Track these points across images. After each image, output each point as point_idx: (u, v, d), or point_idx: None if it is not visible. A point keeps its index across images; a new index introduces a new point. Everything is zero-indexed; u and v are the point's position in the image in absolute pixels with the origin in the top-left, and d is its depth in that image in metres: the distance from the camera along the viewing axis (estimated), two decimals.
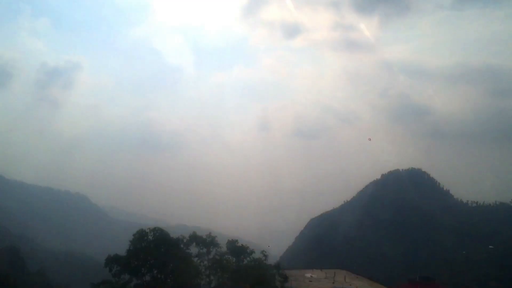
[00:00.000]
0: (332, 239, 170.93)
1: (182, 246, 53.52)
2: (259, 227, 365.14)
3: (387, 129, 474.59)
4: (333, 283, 56.96)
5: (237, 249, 55.57)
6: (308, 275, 62.25)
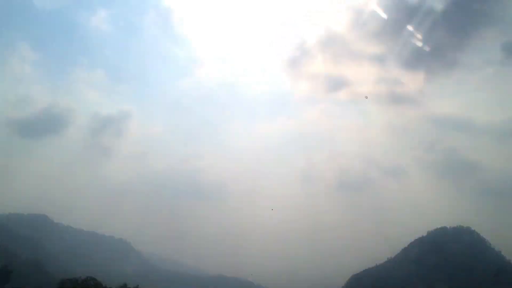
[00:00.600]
0: None
1: None
2: (299, 281, 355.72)
3: (433, 185, 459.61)
4: None
5: None
6: None
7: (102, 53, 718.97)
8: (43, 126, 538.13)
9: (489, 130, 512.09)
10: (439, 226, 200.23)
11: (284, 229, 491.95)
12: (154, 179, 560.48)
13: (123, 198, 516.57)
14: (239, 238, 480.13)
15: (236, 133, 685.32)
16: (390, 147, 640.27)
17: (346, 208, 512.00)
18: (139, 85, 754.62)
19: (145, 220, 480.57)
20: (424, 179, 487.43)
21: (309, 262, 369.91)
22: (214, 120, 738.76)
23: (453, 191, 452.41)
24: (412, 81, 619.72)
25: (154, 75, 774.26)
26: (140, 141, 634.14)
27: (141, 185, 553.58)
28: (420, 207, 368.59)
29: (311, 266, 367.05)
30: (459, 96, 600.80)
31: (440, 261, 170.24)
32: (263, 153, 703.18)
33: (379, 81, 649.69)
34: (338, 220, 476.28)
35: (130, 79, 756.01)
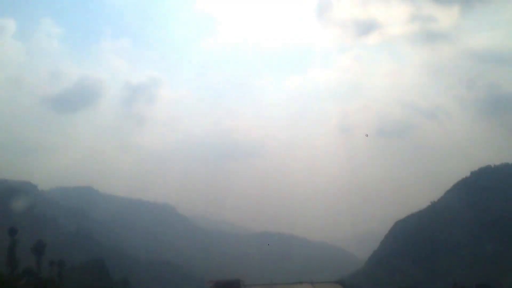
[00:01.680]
0: (421, 243, 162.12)
1: None
2: (343, 230, 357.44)
3: (476, 123, 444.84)
4: None
5: None
6: None
7: (125, 21, 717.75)
8: (76, 99, 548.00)
9: None
10: (483, 165, 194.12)
11: (325, 181, 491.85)
12: (190, 143, 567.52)
13: (162, 164, 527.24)
14: (280, 194, 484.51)
15: (266, 89, 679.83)
16: (428, 88, 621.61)
17: (386, 155, 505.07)
18: (164, 50, 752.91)
19: (186, 184, 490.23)
20: (466, 118, 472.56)
21: (354, 213, 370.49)
22: (242, 78, 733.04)
23: (498, 128, 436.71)
24: (447, 17, 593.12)
25: (176, 39, 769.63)
26: (172, 106, 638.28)
27: (178, 150, 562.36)
28: (463, 148, 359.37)
29: (355, 216, 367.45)
30: (498, 28, 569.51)
31: (484, 201, 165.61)
32: (296, 107, 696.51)
33: (410, 20, 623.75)
34: (379, 168, 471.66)
35: (154, 45, 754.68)
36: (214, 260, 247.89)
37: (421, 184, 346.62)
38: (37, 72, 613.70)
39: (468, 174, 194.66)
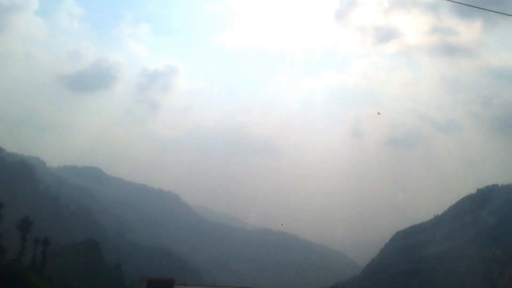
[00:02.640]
0: (418, 256, 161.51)
1: None
2: (344, 235, 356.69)
3: (488, 141, 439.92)
4: None
5: None
6: None
7: (146, 7, 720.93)
8: (92, 81, 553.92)
9: None
10: (490, 184, 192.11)
11: (332, 185, 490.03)
12: (201, 134, 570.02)
13: (171, 152, 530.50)
14: (286, 193, 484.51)
15: (280, 87, 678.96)
16: (443, 102, 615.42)
17: (395, 164, 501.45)
18: (183, 39, 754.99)
19: (193, 174, 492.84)
20: (478, 135, 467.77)
21: (357, 219, 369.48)
22: (257, 75, 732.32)
23: (510, 148, 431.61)
24: (468, 31, 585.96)
25: (195, 30, 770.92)
26: (186, 96, 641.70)
27: (188, 140, 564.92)
28: (473, 164, 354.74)
29: (358, 222, 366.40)
30: None
31: (488, 219, 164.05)
32: (308, 108, 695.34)
33: (431, 31, 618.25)
34: (387, 177, 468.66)
35: (173, 33, 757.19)
36: (212, 252, 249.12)
37: (427, 196, 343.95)
38: (56, 50, 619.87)
39: (474, 191, 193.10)
